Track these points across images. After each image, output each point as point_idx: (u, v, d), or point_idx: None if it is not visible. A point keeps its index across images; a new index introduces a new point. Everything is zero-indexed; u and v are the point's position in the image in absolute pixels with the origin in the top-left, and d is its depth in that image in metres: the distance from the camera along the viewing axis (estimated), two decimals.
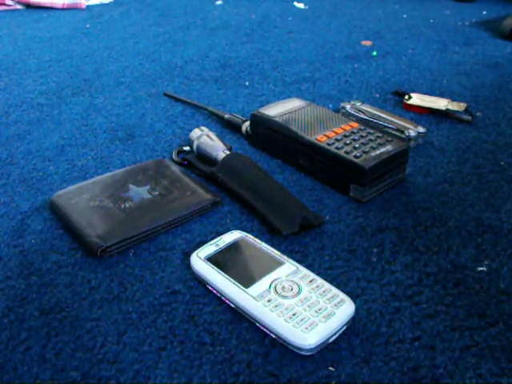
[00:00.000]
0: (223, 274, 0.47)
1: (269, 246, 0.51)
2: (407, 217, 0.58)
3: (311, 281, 0.46)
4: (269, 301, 0.43)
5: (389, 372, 0.40)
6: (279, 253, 0.50)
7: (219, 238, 0.52)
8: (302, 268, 0.48)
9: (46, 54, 1.16)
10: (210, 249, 0.51)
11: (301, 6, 1.56)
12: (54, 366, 0.41)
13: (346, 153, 0.61)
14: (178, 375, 0.40)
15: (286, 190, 0.60)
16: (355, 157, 0.60)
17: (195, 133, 0.70)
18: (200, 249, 0.51)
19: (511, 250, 0.53)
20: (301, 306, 0.43)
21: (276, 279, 0.46)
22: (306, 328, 0.41)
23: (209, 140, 0.68)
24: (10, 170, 0.69)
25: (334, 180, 0.63)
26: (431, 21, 1.37)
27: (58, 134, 0.79)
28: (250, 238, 0.52)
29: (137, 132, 0.79)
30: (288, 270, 0.47)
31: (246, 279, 0.46)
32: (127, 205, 0.58)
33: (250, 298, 0.44)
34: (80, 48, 1.20)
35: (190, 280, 0.50)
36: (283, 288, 0.45)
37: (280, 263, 0.48)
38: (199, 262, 0.49)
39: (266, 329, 0.43)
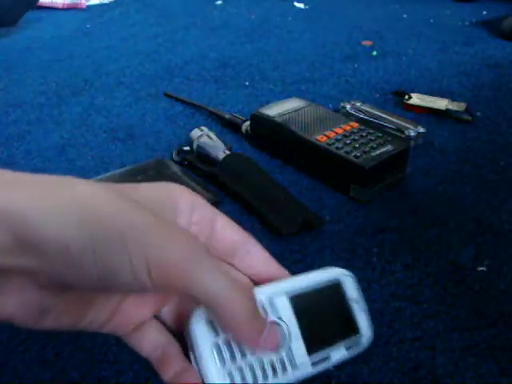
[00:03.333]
0: None
1: None
2: (407, 217, 0.58)
3: None
4: None
5: (389, 372, 0.40)
6: None
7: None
8: None
9: (46, 54, 1.16)
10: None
11: (301, 5, 1.55)
12: (54, 366, 0.41)
13: (346, 153, 0.61)
14: None
15: (286, 190, 0.60)
16: (355, 157, 0.60)
17: (195, 133, 0.70)
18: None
19: (511, 250, 0.53)
20: None
21: None
22: None
23: (209, 140, 0.68)
24: (10, 170, 0.69)
25: (334, 180, 0.63)
26: (431, 21, 1.37)
27: (58, 134, 0.79)
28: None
29: (137, 132, 0.79)
30: None
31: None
32: None
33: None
34: (80, 48, 1.20)
35: None
36: None
37: None
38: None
39: None
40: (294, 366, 0.30)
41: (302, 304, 0.31)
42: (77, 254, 0.21)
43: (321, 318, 0.32)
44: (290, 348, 0.30)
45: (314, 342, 0.31)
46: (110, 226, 0.22)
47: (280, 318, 0.29)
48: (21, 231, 0.21)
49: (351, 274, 0.33)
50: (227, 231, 0.29)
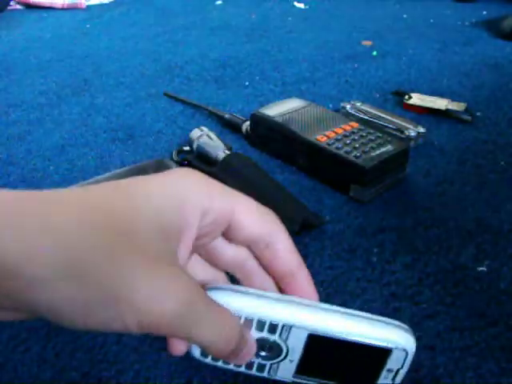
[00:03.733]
0: None
1: None
2: (407, 217, 0.58)
3: None
4: None
5: None
6: None
7: None
8: None
9: (46, 54, 1.16)
10: None
11: (301, 5, 1.55)
12: (54, 366, 0.41)
13: (346, 153, 0.61)
14: (178, 375, 0.40)
15: (286, 190, 0.60)
16: (355, 157, 0.60)
17: (195, 133, 0.70)
18: None
19: (511, 250, 0.53)
20: None
21: None
22: None
23: (209, 140, 0.68)
24: (10, 169, 0.69)
25: (334, 180, 0.63)
26: (431, 21, 1.37)
27: (58, 134, 0.79)
28: None
29: (137, 132, 0.79)
30: None
31: None
32: None
33: None
34: (80, 48, 1.20)
35: None
36: None
37: None
38: None
39: None
40: (272, 373, 0.29)
41: (322, 347, 0.28)
42: (67, 316, 0.22)
43: (334, 366, 0.29)
44: (277, 363, 0.29)
45: (308, 374, 0.29)
46: (99, 285, 0.21)
47: (284, 341, 0.28)
48: (6, 288, 0.20)
49: (412, 345, 0.28)
50: (246, 223, 0.29)
